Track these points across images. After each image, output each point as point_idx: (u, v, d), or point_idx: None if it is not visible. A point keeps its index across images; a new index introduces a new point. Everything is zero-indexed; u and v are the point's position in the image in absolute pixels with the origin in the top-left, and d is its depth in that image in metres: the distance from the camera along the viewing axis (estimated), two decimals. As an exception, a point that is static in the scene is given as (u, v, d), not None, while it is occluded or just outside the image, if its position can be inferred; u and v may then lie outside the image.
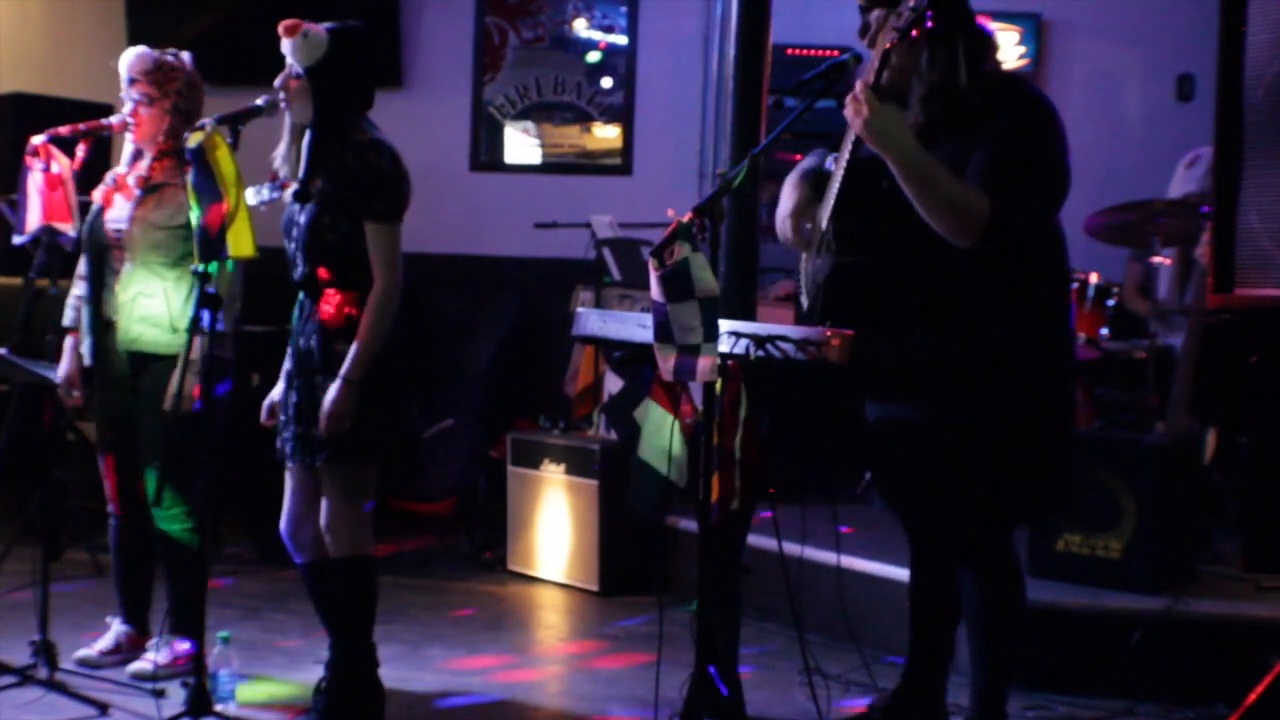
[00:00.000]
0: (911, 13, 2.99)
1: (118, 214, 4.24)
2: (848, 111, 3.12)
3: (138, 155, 4.31)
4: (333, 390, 3.61)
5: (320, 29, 3.67)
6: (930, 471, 3.35)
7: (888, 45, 3.08)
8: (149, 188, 4.21)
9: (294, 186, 3.75)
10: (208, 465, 3.68)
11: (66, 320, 4.36)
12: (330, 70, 3.66)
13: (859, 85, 3.11)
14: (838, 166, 3.27)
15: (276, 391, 3.86)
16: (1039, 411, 3.27)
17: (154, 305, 4.17)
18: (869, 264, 3.27)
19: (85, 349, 4.26)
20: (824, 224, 3.31)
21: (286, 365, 3.82)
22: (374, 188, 3.67)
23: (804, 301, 3.50)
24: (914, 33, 3.07)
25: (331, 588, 3.80)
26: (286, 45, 3.66)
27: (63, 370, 4.32)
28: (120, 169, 4.33)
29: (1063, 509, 4.18)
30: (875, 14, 3.25)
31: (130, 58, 4.25)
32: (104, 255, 4.25)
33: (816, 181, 3.42)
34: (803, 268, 3.53)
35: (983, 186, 3.10)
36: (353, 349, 3.62)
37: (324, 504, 3.72)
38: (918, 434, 3.36)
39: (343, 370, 3.61)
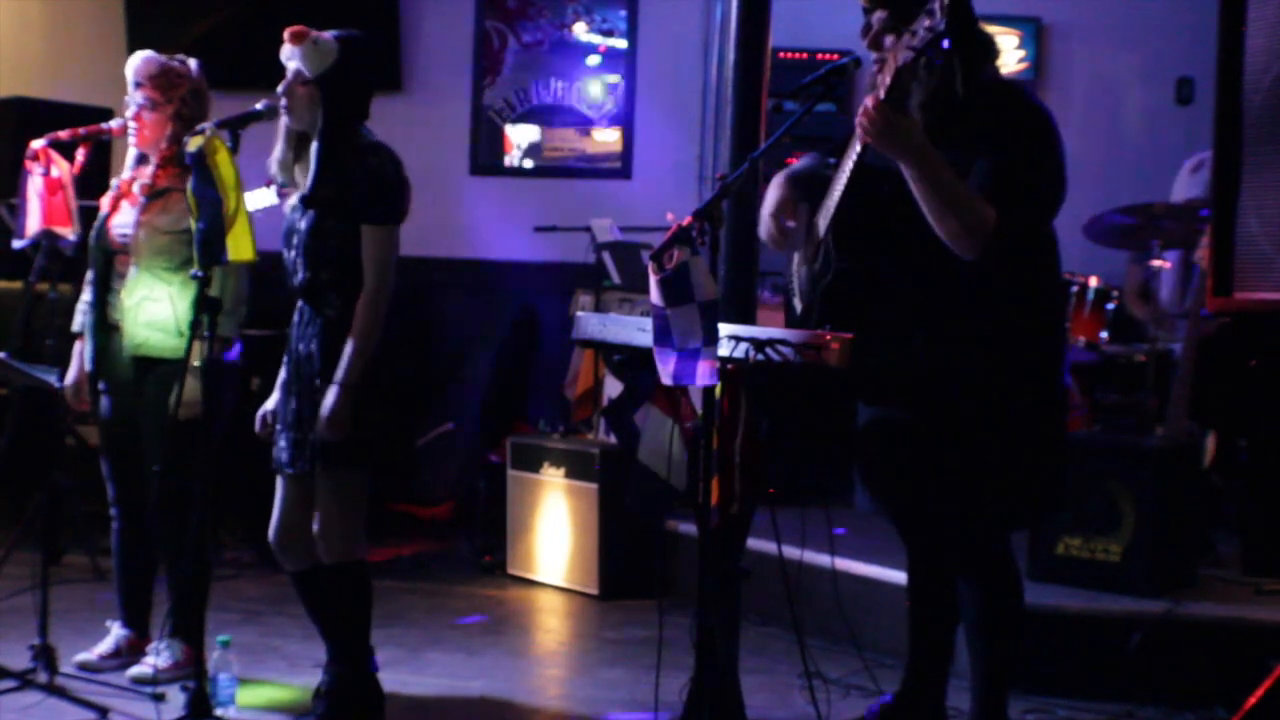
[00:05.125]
0: (928, 33, 2.95)
1: (123, 219, 4.24)
2: (859, 124, 3.10)
3: (141, 160, 4.31)
4: (330, 395, 3.61)
5: (328, 36, 3.67)
6: (924, 475, 3.35)
7: (900, 63, 3.04)
8: (154, 193, 4.22)
9: (293, 193, 3.76)
10: (208, 469, 3.67)
11: (76, 325, 4.36)
12: (340, 77, 3.66)
13: (870, 100, 3.08)
14: (840, 174, 3.27)
15: (271, 402, 3.84)
16: (1033, 415, 3.28)
17: (160, 310, 4.17)
18: (869, 270, 3.27)
19: (86, 353, 4.26)
20: (823, 230, 3.30)
21: (282, 375, 3.81)
22: (373, 191, 3.67)
23: (797, 305, 3.50)
24: (929, 53, 3.04)
25: (325, 593, 3.80)
26: (291, 52, 3.65)
27: (71, 375, 4.33)
28: (124, 175, 4.33)
29: (1057, 512, 4.18)
30: (878, 15, 3.24)
31: (137, 61, 4.24)
32: (109, 260, 4.25)
33: (801, 182, 3.42)
34: (794, 272, 3.53)
35: (986, 197, 3.11)
36: (346, 353, 3.62)
37: (318, 508, 3.72)
38: (912, 437, 3.36)
39: (338, 375, 3.61)
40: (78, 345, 4.35)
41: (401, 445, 3.84)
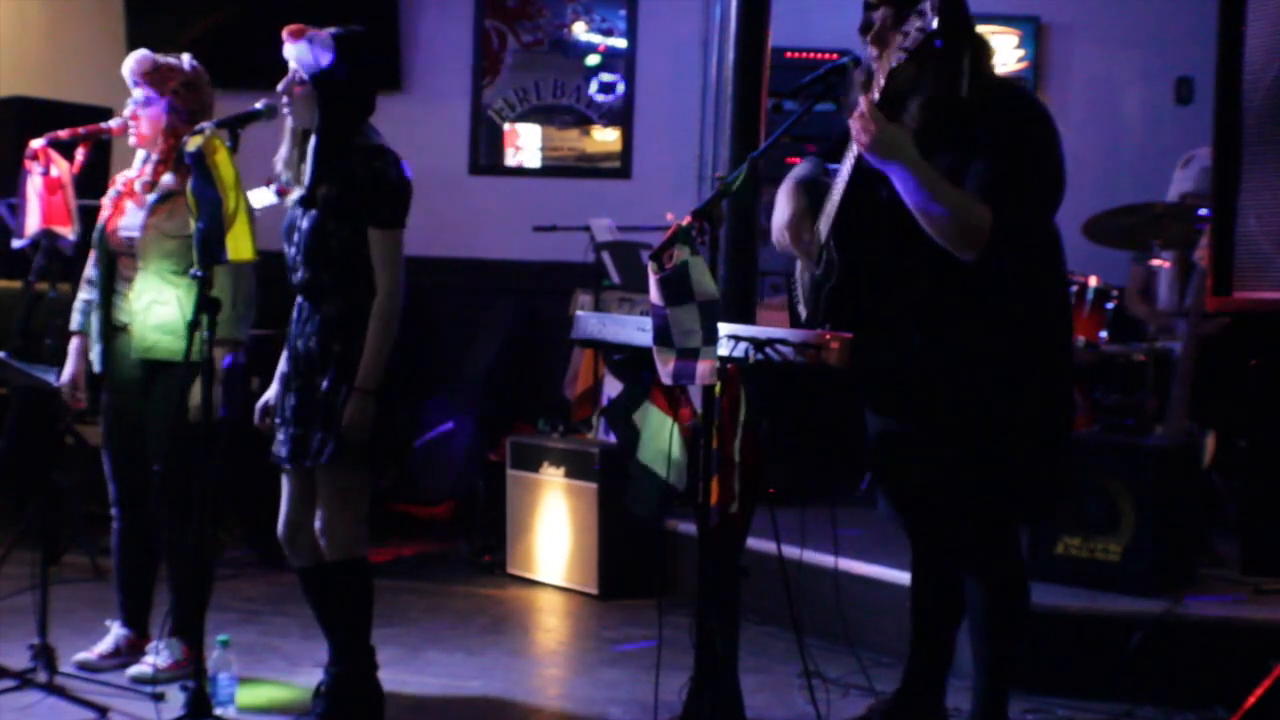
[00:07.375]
0: (919, 34, 2.94)
1: (129, 221, 4.24)
2: (853, 127, 3.09)
3: (147, 159, 4.32)
4: (351, 402, 3.61)
5: (325, 34, 3.67)
6: (932, 475, 3.35)
7: (893, 64, 3.03)
8: (161, 196, 4.21)
9: (294, 191, 3.76)
10: (209, 469, 3.67)
11: (73, 324, 4.36)
12: (336, 76, 3.66)
13: (864, 102, 3.07)
14: (839, 177, 3.26)
15: (271, 394, 3.85)
16: (1038, 412, 3.27)
17: (168, 313, 4.17)
18: (871, 272, 3.27)
19: (95, 355, 4.26)
20: (824, 234, 3.30)
21: (282, 368, 3.82)
22: (380, 194, 3.67)
23: (802, 311, 3.49)
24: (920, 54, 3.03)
25: (328, 591, 3.80)
26: (291, 50, 3.66)
27: (68, 373, 4.32)
28: (130, 174, 4.33)
29: (1059, 510, 4.18)
30: (880, 13, 3.22)
31: (131, 61, 4.27)
32: (114, 261, 4.25)
33: (812, 190, 3.41)
34: (798, 278, 3.52)
35: (984, 197, 3.09)
36: (364, 358, 3.63)
37: (319, 506, 3.72)
38: (919, 438, 3.36)
39: (358, 380, 3.62)
40: (74, 342, 4.35)
41: (404, 444, 3.83)
